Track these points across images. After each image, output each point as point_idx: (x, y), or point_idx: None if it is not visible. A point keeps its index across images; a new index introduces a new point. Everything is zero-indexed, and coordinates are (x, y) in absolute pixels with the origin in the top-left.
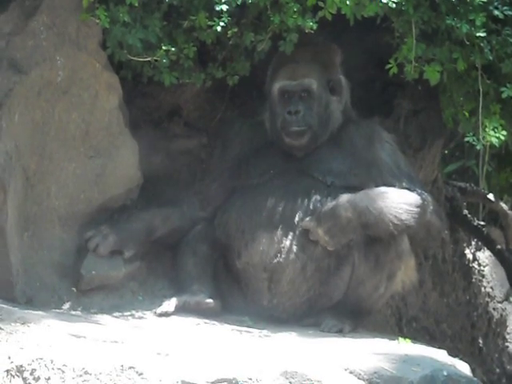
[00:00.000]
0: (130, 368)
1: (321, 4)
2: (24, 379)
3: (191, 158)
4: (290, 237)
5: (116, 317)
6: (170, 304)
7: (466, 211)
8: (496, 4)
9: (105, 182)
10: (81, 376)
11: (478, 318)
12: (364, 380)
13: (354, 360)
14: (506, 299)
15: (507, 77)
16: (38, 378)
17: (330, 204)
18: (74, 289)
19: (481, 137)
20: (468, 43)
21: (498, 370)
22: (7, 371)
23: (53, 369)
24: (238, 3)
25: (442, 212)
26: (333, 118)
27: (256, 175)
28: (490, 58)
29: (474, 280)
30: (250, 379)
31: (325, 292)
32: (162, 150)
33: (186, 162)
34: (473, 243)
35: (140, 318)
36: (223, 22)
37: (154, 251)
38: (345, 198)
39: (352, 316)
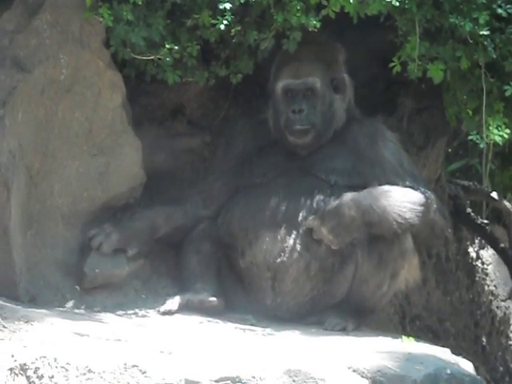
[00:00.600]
0: (134, 366)
1: (324, 2)
2: (27, 378)
3: (194, 157)
4: (293, 236)
5: (119, 315)
6: (174, 302)
7: (469, 209)
8: (499, 2)
9: (108, 180)
10: (84, 374)
11: (481, 316)
12: (367, 378)
13: (358, 358)
14: (510, 297)
15: (511, 75)
16: (42, 377)
17: (333, 203)
18: (77, 287)
19: (484, 135)
20: (471, 41)
21: (501, 369)
22: (11, 369)
23: (56, 367)
24: (242, 1)
25: (445, 210)
26: (336, 117)
27: (259, 174)
28: (494, 56)
29: (477, 278)
30: (254, 377)
31: (328, 291)
32: (165, 149)
33: (189, 161)
34: (476, 241)
35: (143, 316)
36: (226, 20)
37: (158, 250)
38: (348, 196)
39: (355, 314)
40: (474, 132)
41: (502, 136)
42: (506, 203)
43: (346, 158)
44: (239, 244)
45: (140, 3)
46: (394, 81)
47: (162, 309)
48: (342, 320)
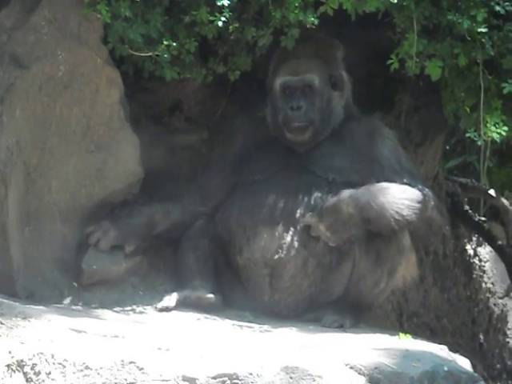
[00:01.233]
0: (131, 363)
1: None
2: (25, 374)
3: (192, 153)
4: (291, 232)
5: (117, 312)
6: (171, 299)
7: (467, 207)
8: None
9: (106, 176)
10: (81, 371)
11: (478, 313)
12: (364, 375)
13: (355, 355)
14: (507, 295)
15: (508, 72)
16: (39, 373)
17: (331, 200)
18: (74, 283)
19: (482, 132)
20: (469, 39)
21: (498, 366)
22: (8, 366)
23: (53, 363)
24: None
25: (443, 208)
26: (334, 114)
27: (257, 171)
28: (492, 53)
29: (474, 276)
30: (251, 374)
31: (326, 287)
32: (162, 145)
33: (186, 157)
34: (474, 239)
35: (141, 312)
36: (224, 16)
37: (155, 246)
38: (346, 193)
39: (353, 311)
40: (472, 129)
41: (499, 133)
42: (504, 200)
43: (344, 155)
44: (237, 240)
45: (138, 0)
46: (392, 78)
47: (160, 305)
48: (340, 317)
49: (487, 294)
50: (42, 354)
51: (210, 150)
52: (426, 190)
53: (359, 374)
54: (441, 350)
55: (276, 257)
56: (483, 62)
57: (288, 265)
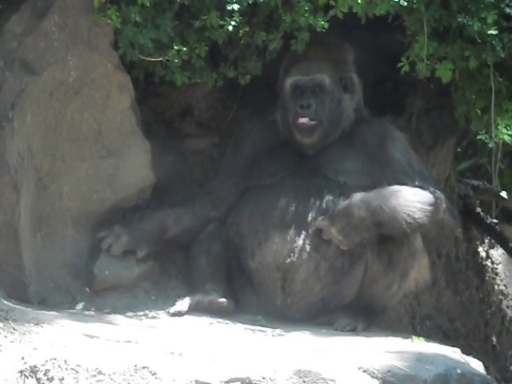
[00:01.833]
0: (144, 368)
1: (332, 3)
2: (38, 380)
3: (203, 158)
4: (303, 236)
5: (129, 317)
6: (184, 303)
7: (478, 209)
8: (507, 1)
9: (117, 182)
10: (94, 376)
11: (491, 315)
12: (378, 379)
13: (368, 359)
14: None
15: None
16: (52, 379)
17: (343, 203)
18: (87, 289)
19: (493, 134)
20: (480, 41)
21: (511, 368)
22: (21, 372)
23: (66, 369)
24: (250, 2)
25: (454, 210)
26: (344, 116)
27: (268, 175)
28: (502, 55)
29: (487, 278)
30: (264, 378)
31: (338, 291)
32: (173, 150)
33: (197, 162)
34: (486, 241)
35: (153, 317)
36: (234, 21)
37: (167, 251)
38: (358, 196)
39: (365, 315)
40: (483, 131)
41: (510, 135)
42: None
43: (356, 158)
44: (249, 245)
45: (148, 5)
46: (403, 81)
47: (172, 310)
48: (352, 320)
49: (500, 296)
50: (54, 359)
51: (221, 155)
52: (438, 192)
53: (372, 377)
54: (454, 353)
55: (288, 260)
56: (494, 64)
57: (300, 268)
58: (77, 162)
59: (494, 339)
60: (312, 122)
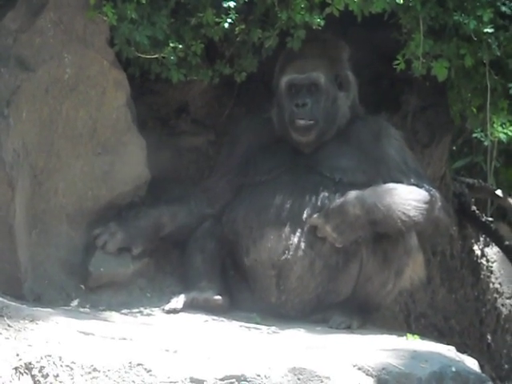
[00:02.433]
0: (139, 365)
1: (328, 0)
2: (33, 376)
3: (199, 155)
4: (298, 233)
5: (124, 314)
6: (179, 301)
7: (474, 207)
8: (504, 0)
9: (112, 179)
10: (89, 373)
11: (486, 314)
12: (372, 376)
13: (363, 356)
14: None
15: None
16: (47, 375)
17: (338, 201)
18: (82, 286)
19: (489, 133)
20: (475, 39)
21: (506, 366)
22: (16, 368)
23: (61, 366)
24: (246, 0)
25: (449, 208)
26: (340, 114)
27: (264, 172)
28: (498, 53)
29: (482, 276)
30: (259, 376)
31: (333, 288)
32: (169, 147)
33: (193, 159)
34: (481, 239)
35: (148, 315)
36: (231, 18)
37: (162, 248)
38: (353, 194)
39: (360, 312)
40: (479, 129)
41: (506, 133)
42: (511, 201)
43: (351, 155)
44: (243, 242)
45: (144, 2)
46: (399, 78)
47: (167, 307)
48: (347, 318)
49: (495, 295)
50: (49, 356)
51: (217, 152)
52: (433, 190)
53: (367, 374)
54: (448, 351)
55: (283, 258)
56: (489, 63)
57: (295, 266)
58: (72, 158)
59: (488, 337)
60: (308, 122)
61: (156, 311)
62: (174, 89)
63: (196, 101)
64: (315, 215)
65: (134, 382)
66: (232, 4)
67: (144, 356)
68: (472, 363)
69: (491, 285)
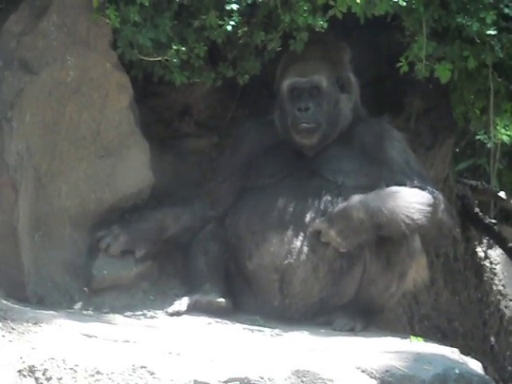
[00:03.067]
0: (142, 367)
1: (331, 2)
2: (36, 379)
3: (202, 158)
4: (300, 237)
5: (128, 316)
6: (182, 303)
7: (477, 209)
8: (506, 2)
9: (116, 181)
10: (93, 376)
11: (489, 315)
12: (376, 379)
13: (366, 359)
14: None
15: None
16: (50, 378)
17: (341, 205)
18: (85, 288)
19: (492, 135)
20: (479, 41)
21: (510, 368)
22: (19, 371)
23: (65, 368)
24: (249, 2)
25: (453, 210)
26: (342, 116)
27: (266, 176)
28: (501, 55)
29: (485, 278)
30: (262, 378)
31: (337, 292)
32: (172, 150)
33: (196, 162)
34: (484, 241)
35: (152, 317)
36: (233, 21)
37: (166, 251)
38: (356, 198)
39: (364, 315)
40: (482, 131)
41: (509, 135)
42: None
43: (353, 158)
44: (246, 246)
45: (147, 4)
46: (402, 81)
47: (171, 310)
48: (351, 320)
49: (498, 297)
50: (53, 359)
51: (220, 155)
52: (436, 192)
53: (370, 377)
54: (452, 353)
55: (286, 262)
56: (492, 65)
57: (298, 270)
58: (75, 161)
59: (492, 339)
60: (311, 125)
61: (159, 314)
62: (177, 91)
63: (199, 103)
64: (319, 220)
65: None
66: (235, 6)
67: (147, 359)
68: (475, 365)
69: (494, 287)
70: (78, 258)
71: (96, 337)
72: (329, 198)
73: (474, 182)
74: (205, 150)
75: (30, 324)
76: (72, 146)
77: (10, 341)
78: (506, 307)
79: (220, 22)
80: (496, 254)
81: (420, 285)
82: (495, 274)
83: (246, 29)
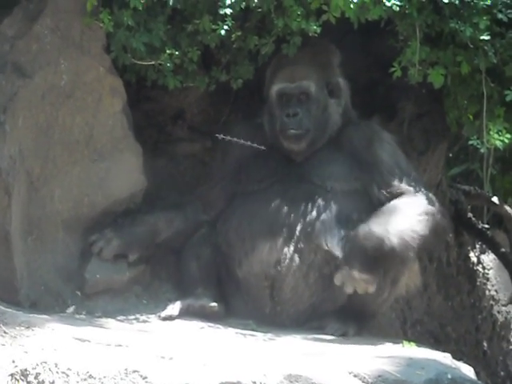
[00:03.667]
0: (134, 372)
1: (324, 7)
2: (28, 383)
3: (195, 162)
4: (290, 245)
5: (120, 320)
6: (174, 308)
7: (470, 214)
8: (500, 7)
9: (109, 185)
10: (85, 380)
11: (482, 321)
12: (368, 383)
13: (359, 363)
14: (511, 302)
15: (511, 80)
16: (43, 382)
17: (348, 245)
18: (78, 292)
19: (485, 140)
20: (472, 46)
21: (502, 373)
22: (12, 375)
23: (57, 372)
24: (242, 7)
25: (445, 211)
26: (331, 121)
27: (256, 181)
28: (494, 61)
29: (478, 283)
30: (254, 382)
31: (328, 297)
32: (165, 154)
33: (189, 166)
34: (477, 246)
35: (144, 321)
36: (227, 25)
37: (158, 255)
38: (360, 232)
39: (356, 319)
40: (475, 137)
41: (502, 141)
42: (507, 208)
43: (343, 162)
44: (236, 254)
45: (140, 8)
46: (395, 86)
47: (163, 314)
48: (343, 325)
49: (491, 302)
50: (45, 363)
51: (213, 159)
52: (429, 194)
53: (363, 382)
54: (444, 358)
55: (276, 270)
56: (486, 70)
57: (287, 278)
58: (68, 165)
59: (484, 344)
60: (299, 131)
61: (152, 318)
62: (170, 95)
63: (192, 108)
64: (337, 274)
65: None
66: (228, 11)
67: (140, 363)
68: (468, 370)
69: (487, 292)
70: (70, 262)
71: (88, 341)
72: (318, 204)
73: (467, 187)
74: (198, 154)
75: (22, 328)
76: (65, 149)
77: (3, 344)
78: (498, 312)
79: (213, 27)
80: (489, 259)
81: (412, 290)
82: (488, 279)
83: (239, 33)
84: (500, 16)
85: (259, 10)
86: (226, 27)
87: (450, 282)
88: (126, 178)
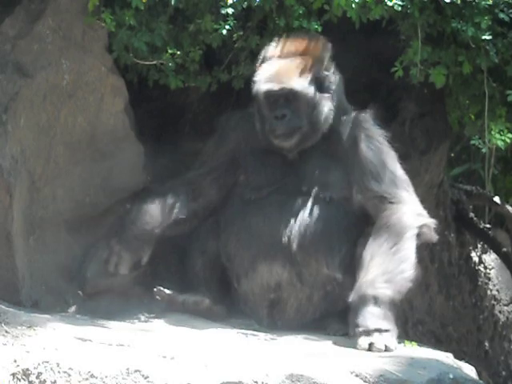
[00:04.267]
0: (136, 371)
1: (326, 7)
2: (30, 383)
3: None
4: (291, 269)
5: (122, 320)
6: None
7: (471, 214)
8: (502, 7)
9: (110, 185)
10: (87, 379)
11: (484, 320)
12: (370, 383)
13: (360, 363)
14: None
15: None
16: (44, 382)
17: (355, 320)
18: (80, 292)
19: (486, 140)
20: (473, 46)
21: (504, 373)
22: (13, 375)
23: (59, 372)
24: (244, 6)
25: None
26: (322, 118)
27: (254, 189)
28: (496, 60)
29: (480, 283)
30: (256, 382)
31: (331, 306)
32: (167, 153)
33: (191, 165)
34: (479, 246)
35: (146, 321)
36: (229, 25)
37: (160, 255)
38: (363, 286)
39: None
40: (477, 137)
41: (504, 141)
42: (509, 208)
43: (336, 166)
44: (235, 270)
45: (142, 8)
46: (396, 85)
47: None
48: (345, 325)
49: (492, 302)
50: (47, 362)
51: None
52: (411, 197)
53: (365, 381)
54: (446, 358)
55: (276, 295)
56: (487, 70)
57: (289, 301)
58: (70, 165)
59: (486, 344)
60: (289, 130)
61: (153, 318)
62: (172, 95)
63: (194, 107)
64: (357, 345)
65: None
66: (230, 11)
67: (141, 362)
68: (469, 370)
69: (489, 292)
70: (72, 262)
71: (90, 340)
72: (317, 219)
73: (468, 187)
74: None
75: (24, 327)
76: (67, 149)
77: (4, 344)
78: (500, 312)
79: (215, 26)
80: (490, 258)
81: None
82: (490, 279)
83: (241, 33)
84: (502, 16)
85: (261, 9)
86: (227, 27)
87: (451, 281)
88: (128, 178)
